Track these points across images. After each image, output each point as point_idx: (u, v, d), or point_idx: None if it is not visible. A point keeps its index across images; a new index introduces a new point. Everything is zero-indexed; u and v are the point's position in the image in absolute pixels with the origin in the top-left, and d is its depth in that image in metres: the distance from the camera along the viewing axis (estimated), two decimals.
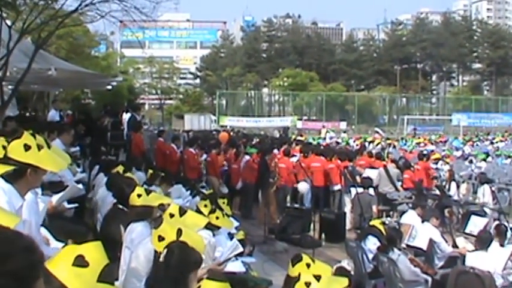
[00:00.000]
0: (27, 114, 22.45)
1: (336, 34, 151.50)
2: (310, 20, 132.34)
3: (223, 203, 9.52)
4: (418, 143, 45.78)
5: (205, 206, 8.07)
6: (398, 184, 18.99)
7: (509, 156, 32.68)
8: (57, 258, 2.75)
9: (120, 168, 10.38)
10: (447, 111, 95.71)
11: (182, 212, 6.27)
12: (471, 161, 28.30)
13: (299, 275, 4.61)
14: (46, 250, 5.08)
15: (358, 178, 18.00)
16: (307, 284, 4.47)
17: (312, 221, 15.45)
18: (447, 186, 20.90)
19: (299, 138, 41.14)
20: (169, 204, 6.69)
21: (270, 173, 18.03)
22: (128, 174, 10.00)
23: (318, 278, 4.53)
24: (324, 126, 69.91)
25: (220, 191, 17.73)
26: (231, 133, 39.41)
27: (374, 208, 16.35)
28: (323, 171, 19.26)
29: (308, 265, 4.83)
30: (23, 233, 2.06)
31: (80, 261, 2.73)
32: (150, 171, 12.20)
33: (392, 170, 19.23)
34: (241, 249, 7.51)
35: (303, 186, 18.53)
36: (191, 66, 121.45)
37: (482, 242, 10.38)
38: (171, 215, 6.12)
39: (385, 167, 19.49)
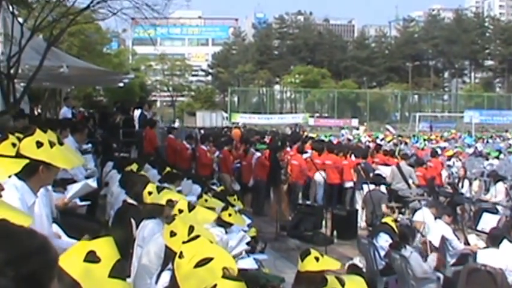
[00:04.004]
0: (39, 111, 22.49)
1: (348, 31, 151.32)
2: (322, 16, 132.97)
3: (234, 199, 9.53)
4: (430, 140, 45.65)
5: (206, 201, 8.11)
6: (412, 182, 18.91)
7: None
8: (68, 254, 2.75)
9: (134, 166, 10.43)
10: (459, 108, 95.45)
11: (191, 207, 6.27)
12: (487, 158, 28.11)
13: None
14: (59, 243, 5.11)
15: (371, 175, 17.95)
16: None
17: (323, 218, 15.43)
18: (460, 184, 20.83)
19: (311, 135, 41.16)
20: (178, 200, 6.68)
21: (281, 170, 18.01)
22: (141, 172, 10.03)
23: (342, 283, 4.55)
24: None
25: (232, 188, 17.70)
26: (243, 129, 39.48)
27: (383, 207, 16.27)
28: (336, 168, 19.23)
29: (317, 259, 4.85)
30: (36, 231, 2.03)
31: (92, 257, 2.73)
32: (168, 169, 12.22)
33: (405, 167, 19.15)
34: (248, 239, 7.51)
35: (318, 177, 18.38)
36: (203, 63, 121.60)
37: (494, 239, 10.33)
38: (180, 211, 6.12)
39: (397, 164, 19.42)
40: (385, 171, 19.03)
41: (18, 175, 4.31)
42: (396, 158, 21.46)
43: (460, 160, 26.42)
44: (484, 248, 10.76)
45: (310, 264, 4.82)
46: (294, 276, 5.18)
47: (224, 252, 4.28)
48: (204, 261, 3.90)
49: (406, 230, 10.53)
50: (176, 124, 58.32)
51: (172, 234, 5.05)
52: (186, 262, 3.96)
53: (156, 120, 25.25)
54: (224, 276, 3.77)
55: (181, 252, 4.08)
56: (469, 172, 22.94)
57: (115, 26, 44.01)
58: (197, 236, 4.37)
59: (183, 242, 4.30)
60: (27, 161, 4.23)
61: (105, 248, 2.82)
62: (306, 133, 48.68)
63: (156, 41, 69.16)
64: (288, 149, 20.10)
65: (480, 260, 9.85)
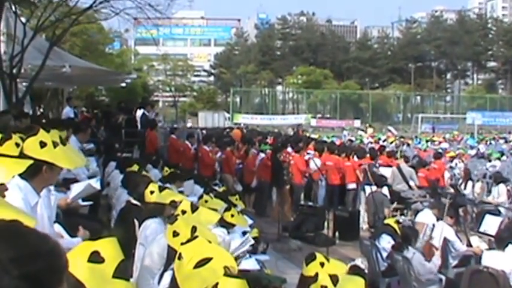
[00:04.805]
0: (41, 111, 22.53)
1: (350, 32, 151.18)
2: (325, 17, 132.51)
3: (236, 199, 9.53)
4: (433, 142, 45.58)
5: (206, 201, 8.12)
6: (412, 183, 18.87)
7: None
8: (72, 254, 2.73)
9: (135, 167, 10.45)
10: (462, 110, 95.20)
11: (194, 208, 6.27)
12: (489, 160, 28.02)
13: (316, 274, 4.60)
14: (63, 242, 5.10)
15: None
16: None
17: (325, 219, 15.42)
18: (463, 185, 20.80)
19: (313, 136, 41.14)
20: (181, 201, 6.68)
21: (283, 171, 17.99)
22: (143, 172, 10.04)
23: (334, 280, 4.53)
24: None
25: (234, 188, 17.69)
26: (244, 130, 39.43)
27: (386, 210, 16.22)
28: (336, 169, 19.18)
29: (322, 264, 4.81)
30: (50, 236, 2.01)
31: (96, 257, 2.73)
32: (166, 168, 12.23)
33: (406, 168, 19.12)
34: (252, 242, 7.50)
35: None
36: (205, 64, 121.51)
37: (501, 241, 10.28)
38: (183, 212, 6.12)
39: (398, 165, 19.39)
40: (386, 172, 19.00)
41: (21, 175, 4.31)
42: (397, 159, 21.46)
43: (463, 162, 26.39)
44: (490, 249, 10.73)
45: (314, 270, 4.80)
46: (296, 277, 5.16)
47: (223, 252, 4.28)
48: (204, 262, 3.90)
49: (409, 231, 10.50)
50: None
51: (175, 234, 5.05)
52: (186, 263, 3.97)
53: (159, 120, 25.25)
54: (226, 275, 3.77)
55: (180, 254, 4.09)
56: (472, 174, 22.91)
57: (117, 26, 43.98)
58: (195, 237, 4.38)
59: (182, 244, 4.30)
60: (31, 161, 4.23)
61: (109, 248, 2.82)
62: (303, 133, 48.61)
63: (159, 41, 69.27)
64: (290, 149, 20.06)
65: (485, 261, 9.82)
